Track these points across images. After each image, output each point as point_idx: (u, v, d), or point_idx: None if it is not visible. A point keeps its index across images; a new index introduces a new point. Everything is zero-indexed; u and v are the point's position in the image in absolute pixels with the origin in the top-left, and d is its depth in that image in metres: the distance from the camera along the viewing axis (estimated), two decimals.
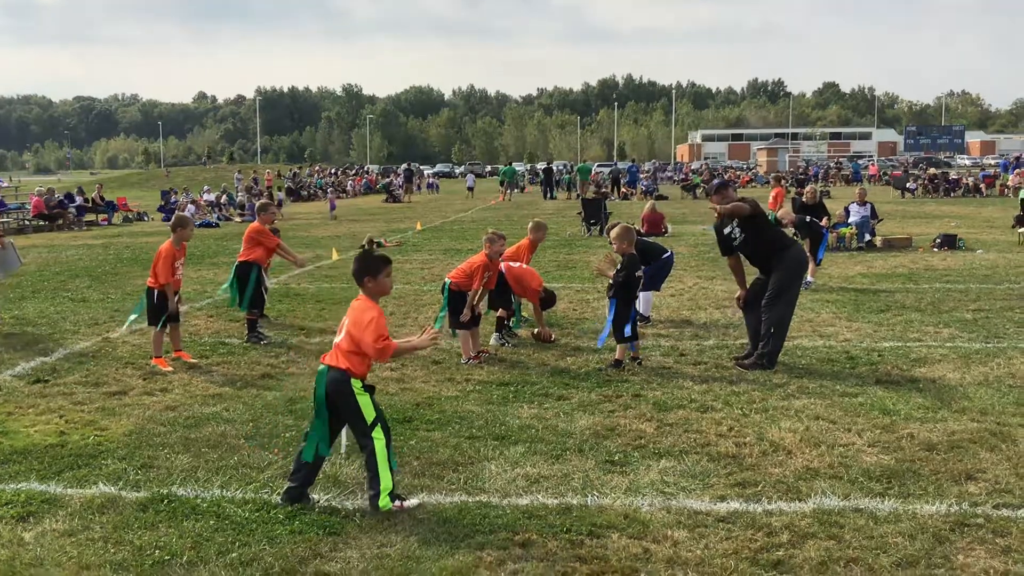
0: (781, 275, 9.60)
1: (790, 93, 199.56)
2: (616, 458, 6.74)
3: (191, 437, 7.35)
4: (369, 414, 5.75)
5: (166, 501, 5.93)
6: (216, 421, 7.79)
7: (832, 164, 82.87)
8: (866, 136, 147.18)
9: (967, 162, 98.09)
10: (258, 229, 11.60)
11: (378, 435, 5.73)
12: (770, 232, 9.91)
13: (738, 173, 73.53)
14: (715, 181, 10.55)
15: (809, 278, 15.12)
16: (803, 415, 7.77)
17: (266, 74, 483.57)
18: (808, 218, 16.44)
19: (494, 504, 5.85)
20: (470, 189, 58.65)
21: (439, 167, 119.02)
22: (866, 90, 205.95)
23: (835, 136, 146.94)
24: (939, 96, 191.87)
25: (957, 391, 8.47)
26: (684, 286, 15.43)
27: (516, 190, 57.68)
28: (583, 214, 27.67)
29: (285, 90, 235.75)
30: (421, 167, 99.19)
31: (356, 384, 5.75)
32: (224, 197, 42.11)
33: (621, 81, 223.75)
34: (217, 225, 33.58)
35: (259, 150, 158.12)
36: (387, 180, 65.16)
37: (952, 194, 47.36)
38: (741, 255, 10.05)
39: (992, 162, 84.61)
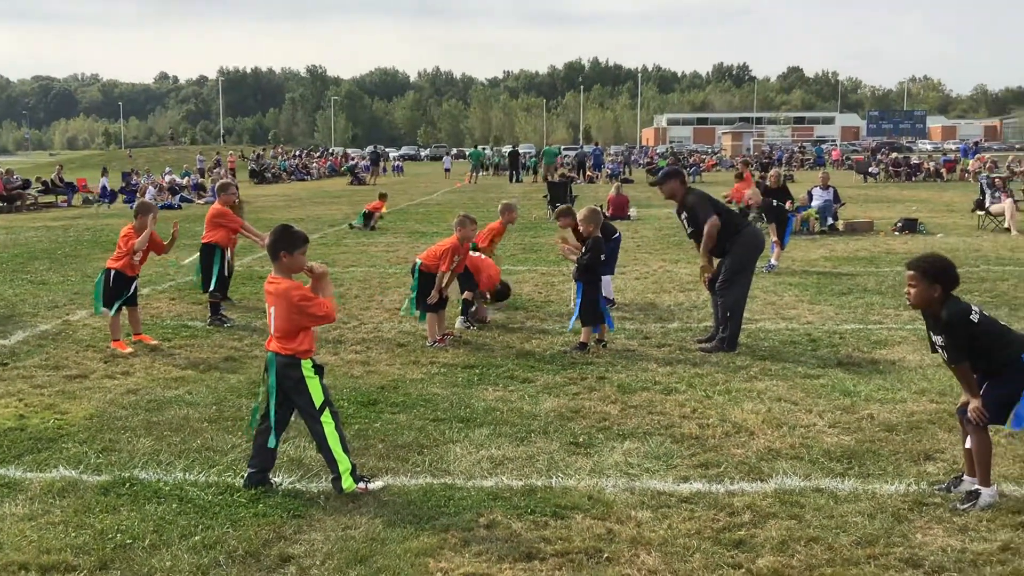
0: (733, 258, 9.66)
1: (755, 77, 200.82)
2: (580, 440, 6.77)
3: (153, 420, 7.28)
4: (318, 397, 5.73)
5: (128, 485, 5.88)
6: (179, 404, 7.73)
7: (796, 148, 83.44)
8: (829, 121, 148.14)
9: (928, 147, 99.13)
10: (219, 211, 11.48)
11: (327, 419, 5.73)
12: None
13: (703, 157, 73.83)
14: (661, 172, 10.55)
15: (773, 261, 15.24)
16: (765, 396, 7.84)
17: (229, 54, 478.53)
18: (775, 201, 16.56)
19: (459, 486, 5.86)
20: (447, 170, 60.56)
21: (405, 150, 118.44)
22: (830, 75, 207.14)
23: (799, 120, 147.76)
24: (901, 81, 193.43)
25: (917, 373, 8.58)
26: (649, 269, 15.50)
27: (483, 172, 57.90)
28: (549, 197, 27.70)
29: (248, 71, 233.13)
30: (387, 150, 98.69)
31: (306, 365, 5.72)
32: (187, 178, 41.59)
33: (587, 64, 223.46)
34: (179, 207, 33.22)
35: (222, 131, 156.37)
36: (352, 162, 64.77)
37: (913, 178, 47.91)
38: None
39: (953, 147, 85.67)
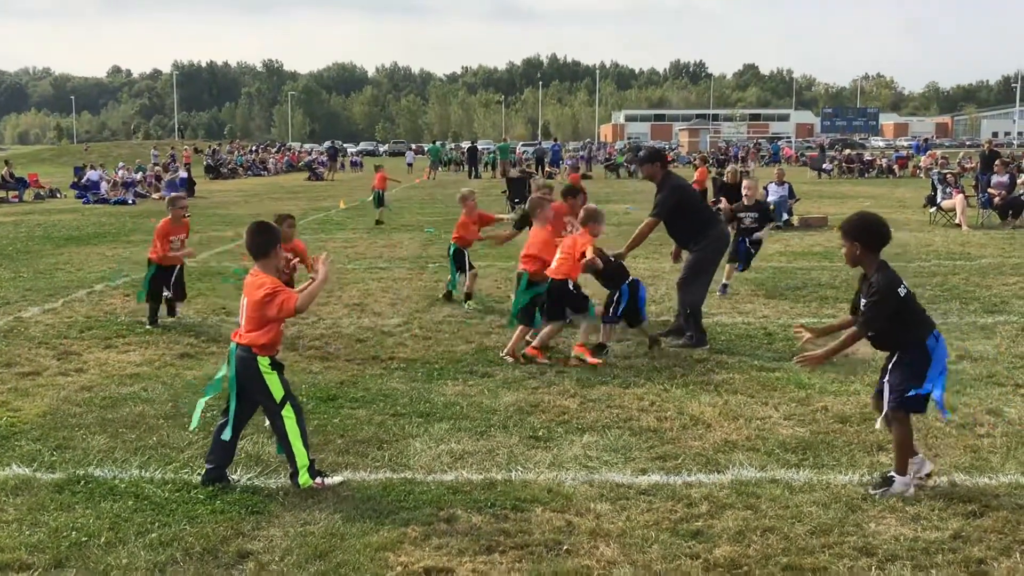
0: (695, 256, 9.72)
1: (711, 74, 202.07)
2: (540, 433, 6.80)
3: (108, 417, 7.20)
4: (278, 392, 5.71)
5: (83, 482, 5.82)
6: (134, 401, 7.65)
7: (752, 145, 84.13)
8: (784, 118, 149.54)
9: (881, 144, 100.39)
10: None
11: (288, 413, 5.70)
12: (685, 220, 9.85)
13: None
14: (643, 152, 10.54)
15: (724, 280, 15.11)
16: (722, 389, 7.93)
17: (183, 48, 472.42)
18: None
19: (419, 480, 5.87)
20: (409, 165, 60.12)
21: (363, 145, 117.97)
22: (784, 72, 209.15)
23: (754, 118, 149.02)
24: (855, 79, 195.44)
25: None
26: None
27: (441, 168, 57.91)
28: (507, 193, 27.71)
29: (203, 64, 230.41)
30: (345, 145, 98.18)
31: (263, 362, 5.69)
32: (139, 174, 41.01)
33: (546, 60, 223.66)
34: (133, 202, 32.80)
35: (176, 126, 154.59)
36: (310, 158, 64.38)
37: (866, 175, 48.55)
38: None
39: (905, 144, 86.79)
